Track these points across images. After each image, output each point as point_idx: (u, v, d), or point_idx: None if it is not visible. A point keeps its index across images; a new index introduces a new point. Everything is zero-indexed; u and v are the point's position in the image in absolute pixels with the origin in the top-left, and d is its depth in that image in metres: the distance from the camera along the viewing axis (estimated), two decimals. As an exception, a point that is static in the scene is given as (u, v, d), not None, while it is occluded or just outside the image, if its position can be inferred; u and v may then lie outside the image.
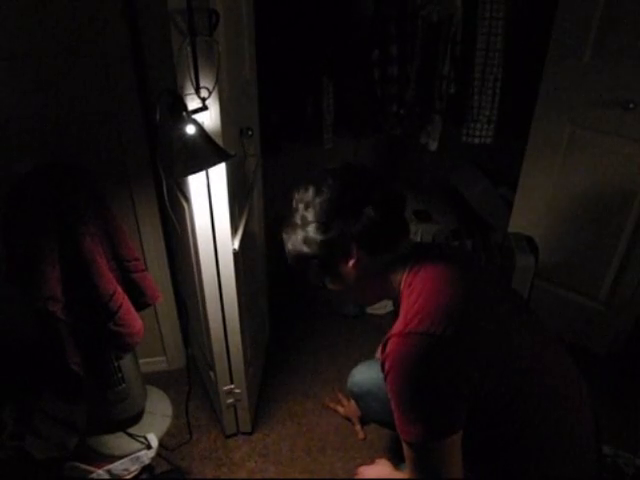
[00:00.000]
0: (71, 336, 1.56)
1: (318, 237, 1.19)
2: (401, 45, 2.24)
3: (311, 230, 1.19)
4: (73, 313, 1.54)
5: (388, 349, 1.09)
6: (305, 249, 1.22)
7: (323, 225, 1.18)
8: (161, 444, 1.92)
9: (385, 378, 1.10)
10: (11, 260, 1.53)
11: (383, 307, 2.64)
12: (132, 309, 1.67)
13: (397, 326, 1.11)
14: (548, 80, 2.10)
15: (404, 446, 1.14)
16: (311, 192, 1.19)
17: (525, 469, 1.16)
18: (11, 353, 1.96)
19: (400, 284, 1.22)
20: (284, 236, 1.28)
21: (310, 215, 1.19)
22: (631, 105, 1.90)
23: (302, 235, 1.21)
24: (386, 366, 1.09)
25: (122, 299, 1.62)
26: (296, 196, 1.23)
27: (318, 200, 1.18)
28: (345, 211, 1.17)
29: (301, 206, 1.21)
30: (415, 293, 1.15)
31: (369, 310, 2.66)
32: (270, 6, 2.05)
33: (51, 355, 1.64)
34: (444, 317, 1.06)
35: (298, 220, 1.21)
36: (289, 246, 1.26)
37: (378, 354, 1.16)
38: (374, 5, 2.18)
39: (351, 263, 1.21)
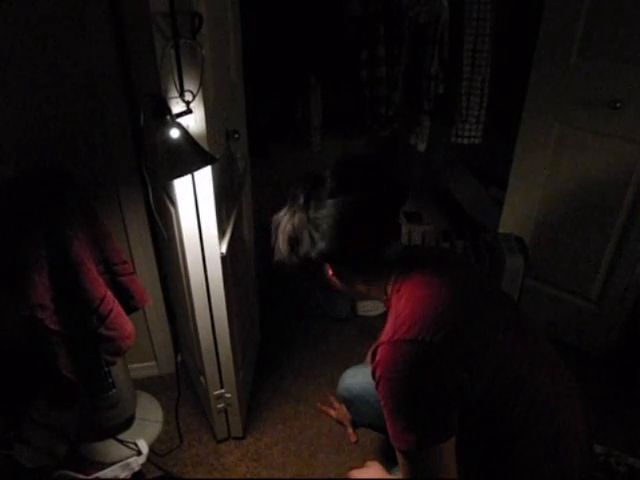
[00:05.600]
0: (62, 343, 1.54)
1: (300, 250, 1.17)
2: (389, 46, 2.24)
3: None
4: (63, 320, 1.52)
5: (378, 357, 1.08)
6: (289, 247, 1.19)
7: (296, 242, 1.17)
8: (152, 450, 1.91)
9: (376, 386, 1.10)
10: (-3, 267, 1.52)
11: (374, 309, 2.64)
12: (123, 313, 1.66)
13: (386, 333, 1.10)
14: (535, 80, 2.11)
15: (397, 454, 1.13)
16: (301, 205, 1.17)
17: (518, 471, 1.15)
18: (-2, 360, 1.94)
19: (388, 289, 1.21)
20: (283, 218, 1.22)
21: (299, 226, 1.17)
22: (618, 104, 1.91)
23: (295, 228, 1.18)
24: (376, 374, 1.08)
25: (112, 303, 1.61)
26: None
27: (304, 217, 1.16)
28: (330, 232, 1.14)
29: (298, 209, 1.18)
30: (404, 299, 1.14)
31: (360, 312, 2.65)
32: (257, 8, 2.05)
33: (41, 362, 1.62)
34: (432, 324, 1.05)
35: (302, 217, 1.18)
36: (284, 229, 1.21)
37: (368, 359, 1.15)
38: (361, 6, 2.18)
39: (329, 274, 1.22)
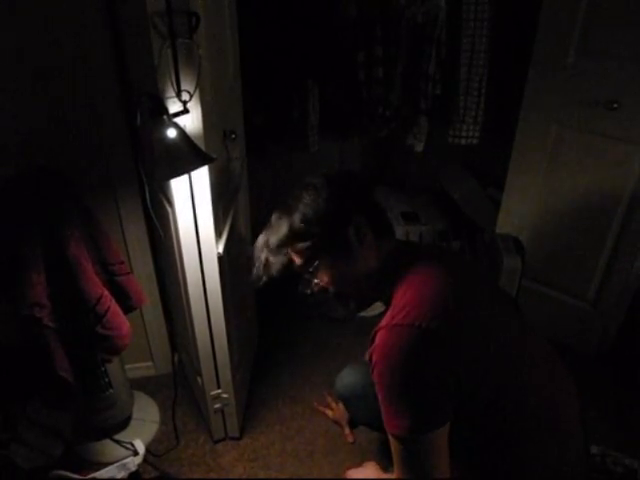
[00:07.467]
0: (58, 342, 1.54)
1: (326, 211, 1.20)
2: (386, 46, 2.24)
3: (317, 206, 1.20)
4: (60, 319, 1.52)
5: (375, 342, 1.10)
6: (302, 230, 1.20)
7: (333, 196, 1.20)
8: (148, 450, 1.90)
9: (372, 371, 1.11)
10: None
11: (373, 309, 2.62)
12: (120, 312, 1.66)
13: (384, 319, 1.12)
14: (533, 81, 2.11)
15: (391, 440, 1.14)
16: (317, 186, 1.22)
17: (512, 467, 1.16)
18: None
19: (391, 281, 1.21)
20: (276, 219, 1.25)
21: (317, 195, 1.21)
22: (615, 105, 1.91)
23: (302, 214, 1.20)
24: (373, 359, 1.10)
25: (109, 302, 1.61)
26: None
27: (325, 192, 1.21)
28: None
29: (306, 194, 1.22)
30: (403, 288, 1.16)
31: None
32: (254, 8, 2.05)
33: (37, 361, 1.62)
34: (430, 310, 1.07)
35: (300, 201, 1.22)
36: (282, 229, 1.23)
37: (367, 355, 1.15)
38: (358, 7, 2.18)
39: (365, 241, 1.21)
